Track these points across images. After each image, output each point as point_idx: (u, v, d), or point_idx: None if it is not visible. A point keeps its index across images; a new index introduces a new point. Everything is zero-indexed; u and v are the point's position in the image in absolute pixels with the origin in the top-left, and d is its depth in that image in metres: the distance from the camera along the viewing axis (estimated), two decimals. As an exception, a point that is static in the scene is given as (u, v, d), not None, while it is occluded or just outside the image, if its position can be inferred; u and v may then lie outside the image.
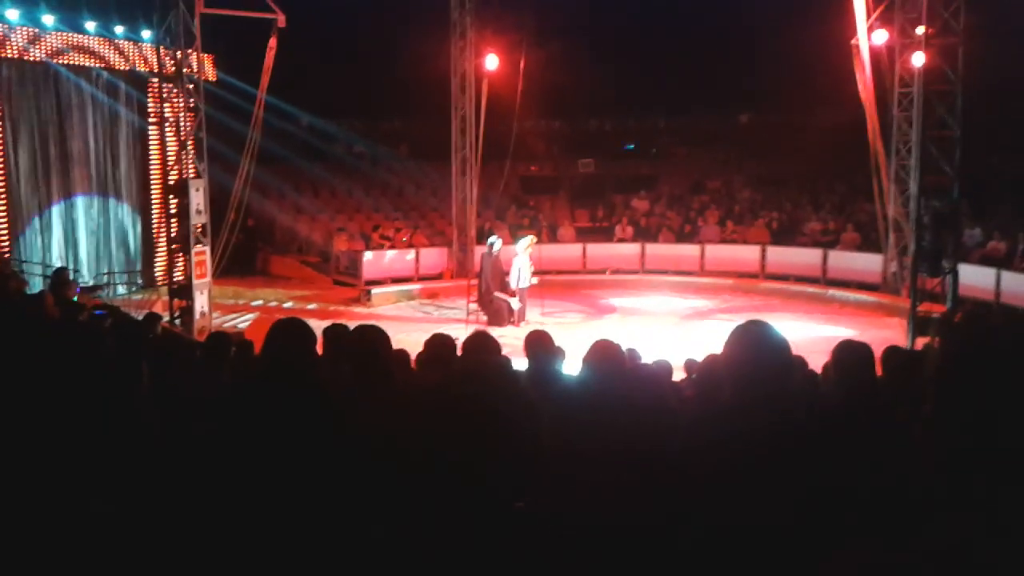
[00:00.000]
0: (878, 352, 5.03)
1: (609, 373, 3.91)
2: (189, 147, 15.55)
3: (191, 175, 15.53)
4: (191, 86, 15.48)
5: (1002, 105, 20.16)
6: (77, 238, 19.45)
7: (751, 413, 2.74)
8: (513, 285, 17.64)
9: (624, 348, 4.63)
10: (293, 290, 21.44)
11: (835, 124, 21.36)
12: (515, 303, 17.52)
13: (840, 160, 24.02)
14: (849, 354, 4.19)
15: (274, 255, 24.17)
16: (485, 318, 17.58)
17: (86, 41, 19.19)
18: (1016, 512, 1.75)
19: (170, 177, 16.07)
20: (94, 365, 4.62)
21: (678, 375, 8.34)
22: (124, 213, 20.49)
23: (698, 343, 13.04)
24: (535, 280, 17.95)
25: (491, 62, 20.74)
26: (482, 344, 5.14)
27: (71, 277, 12.98)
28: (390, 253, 21.89)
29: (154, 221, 20.63)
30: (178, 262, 16.04)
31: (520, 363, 5.35)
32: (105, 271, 19.56)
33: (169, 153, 16.24)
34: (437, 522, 1.95)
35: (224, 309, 18.18)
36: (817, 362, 6.15)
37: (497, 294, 17.60)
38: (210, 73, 20.12)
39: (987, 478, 1.81)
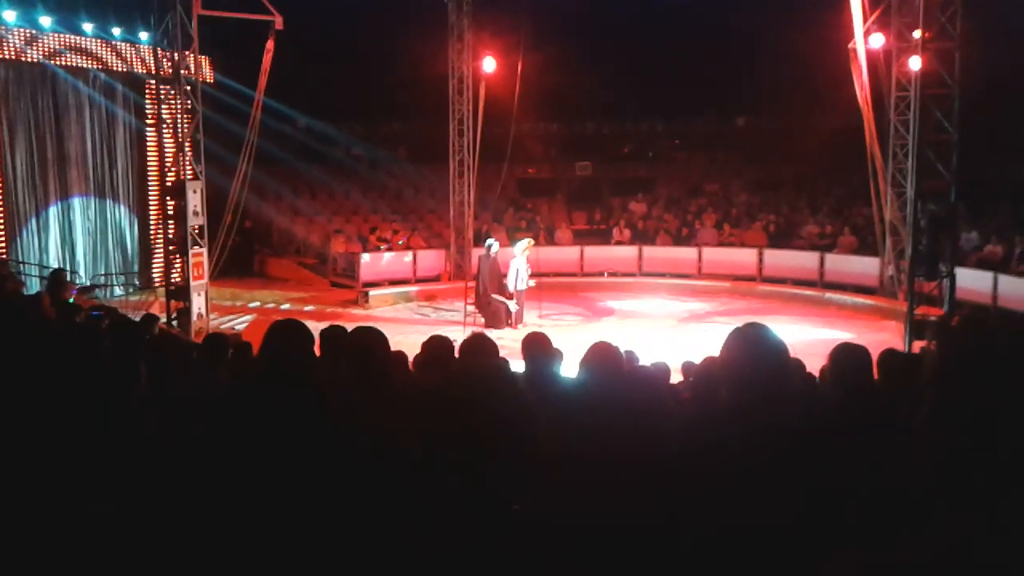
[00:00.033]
0: (875, 355, 5.04)
1: (607, 375, 3.92)
2: (187, 149, 15.54)
3: (188, 177, 15.53)
4: (188, 88, 15.48)
5: (999, 109, 20.19)
6: (74, 239, 19.42)
7: (748, 415, 2.74)
8: (511, 287, 17.65)
9: (622, 350, 4.63)
10: (290, 292, 21.43)
11: (832, 128, 21.43)
12: (513, 305, 17.53)
13: (837, 164, 24.07)
14: (846, 357, 4.19)
15: (271, 257, 24.18)
16: (483, 320, 17.59)
17: (83, 42, 19.17)
18: (1015, 512, 1.75)
19: (167, 179, 16.06)
20: (92, 366, 4.62)
21: (676, 378, 8.34)
22: (121, 215, 20.46)
23: (695, 346, 13.05)
24: (533, 282, 17.97)
25: (489, 65, 20.78)
26: (480, 346, 5.14)
27: (68, 278, 12.95)
28: (387, 255, 21.90)
29: (151, 223, 20.60)
30: (175, 263, 16.02)
31: (518, 365, 5.35)
32: (102, 272, 19.53)
33: (167, 155, 16.23)
34: (436, 523, 1.95)
35: (221, 310, 18.17)
36: (814, 365, 6.16)
37: (495, 296, 17.60)
38: (208, 75, 20.10)
39: (985, 479, 1.82)
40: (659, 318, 18.78)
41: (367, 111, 27.47)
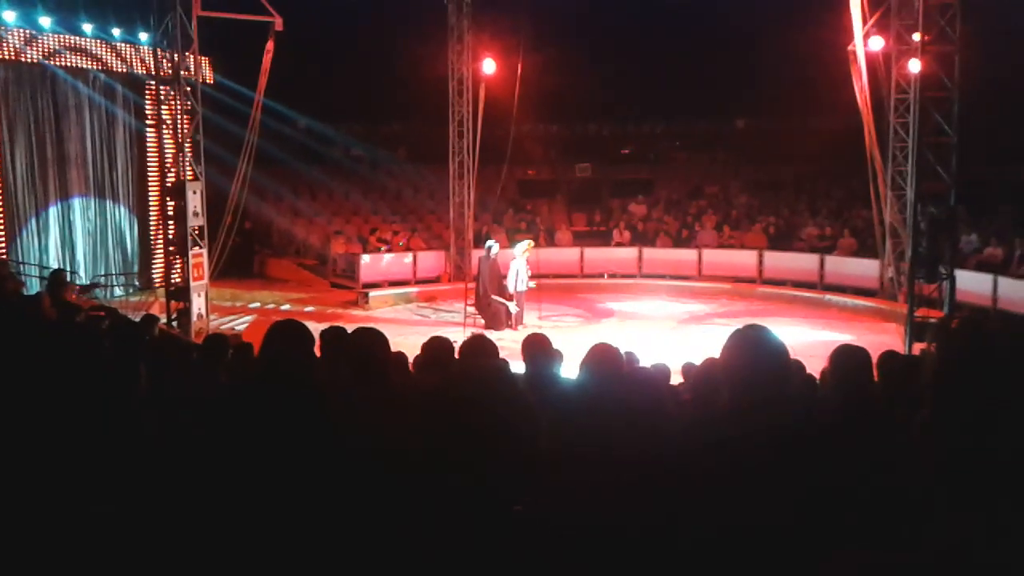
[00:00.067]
0: (875, 357, 5.04)
1: (607, 376, 3.92)
2: (186, 149, 15.54)
3: (188, 177, 15.53)
4: (188, 88, 15.48)
5: (999, 111, 20.20)
6: (74, 240, 19.42)
7: (749, 417, 2.74)
8: (511, 289, 17.65)
9: (622, 351, 4.63)
10: (290, 292, 21.43)
11: (832, 130, 21.43)
12: (513, 307, 17.53)
13: (837, 165, 24.09)
14: (847, 358, 4.20)
15: (271, 257, 24.19)
16: (483, 321, 17.59)
17: (83, 43, 19.18)
18: (1015, 513, 1.76)
19: (167, 179, 16.07)
20: (91, 366, 4.61)
21: (676, 379, 8.34)
22: (121, 215, 20.47)
23: (695, 347, 13.05)
24: (533, 284, 17.97)
25: (489, 66, 20.79)
26: (480, 347, 5.14)
27: (68, 279, 12.95)
28: (387, 256, 21.91)
29: (151, 223, 20.61)
30: (175, 264, 16.03)
31: (518, 366, 5.35)
32: (102, 273, 19.53)
33: (166, 155, 16.23)
34: (436, 524, 1.95)
35: (221, 311, 18.17)
36: (814, 367, 6.17)
37: (495, 298, 17.60)
38: (208, 76, 20.11)
39: (985, 480, 1.82)
40: (659, 319, 18.78)
41: (367, 112, 27.47)
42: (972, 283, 16.96)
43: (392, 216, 25.34)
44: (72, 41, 19.00)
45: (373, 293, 20.29)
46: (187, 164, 15.57)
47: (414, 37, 22.04)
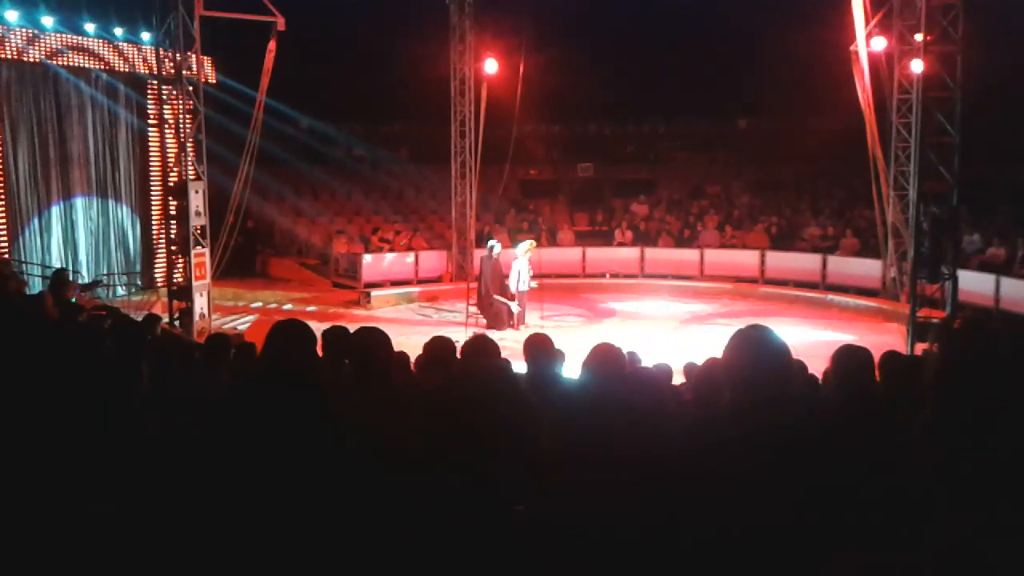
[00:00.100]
0: (877, 357, 5.03)
1: (609, 376, 3.91)
2: (189, 149, 15.55)
3: (191, 177, 15.53)
4: (191, 88, 15.49)
5: (1001, 111, 20.19)
6: (76, 239, 19.45)
7: (751, 417, 2.74)
8: (512, 289, 17.65)
9: (624, 351, 4.63)
10: (292, 292, 21.44)
11: (834, 130, 21.39)
12: (514, 307, 17.53)
13: (839, 166, 24.07)
14: (849, 359, 4.19)
15: (274, 257, 24.21)
16: (484, 321, 17.59)
17: (86, 43, 19.20)
18: (1016, 514, 1.76)
19: (170, 179, 16.08)
20: (93, 366, 4.62)
21: (678, 379, 8.33)
22: (124, 214, 20.50)
23: (697, 347, 13.04)
24: (534, 284, 17.96)
25: (490, 66, 20.80)
26: (482, 347, 5.14)
27: (70, 278, 12.97)
28: (389, 256, 21.92)
29: (154, 223, 20.64)
30: (178, 264, 16.04)
31: (520, 366, 5.35)
32: (104, 272, 19.56)
33: (169, 155, 16.24)
34: (437, 524, 1.95)
35: (224, 311, 18.18)
36: (817, 367, 6.16)
37: (496, 297, 17.60)
38: (210, 75, 20.14)
39: (987, 480, 1.82)
40: (661, 319, 18.78)
41: (369, 112, 27.47)
42: (974, 283, 16.94)
43: (394, 216, 25.35)
44: (74, 41, 19.02)
45: (375, 293, 20.29)
46: (189, 164, 15.57)
47: (416, 37, 22.05)
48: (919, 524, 1.98)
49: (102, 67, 19.58)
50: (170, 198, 15.83)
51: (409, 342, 11.00)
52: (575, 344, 6.55)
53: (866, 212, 21.25)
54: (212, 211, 16.19)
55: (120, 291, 19.58)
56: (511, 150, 21.47)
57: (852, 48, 18.16)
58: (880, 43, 18.30)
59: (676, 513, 2.51)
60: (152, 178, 20.46)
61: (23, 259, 17.72)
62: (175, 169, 15.86)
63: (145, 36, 19.42)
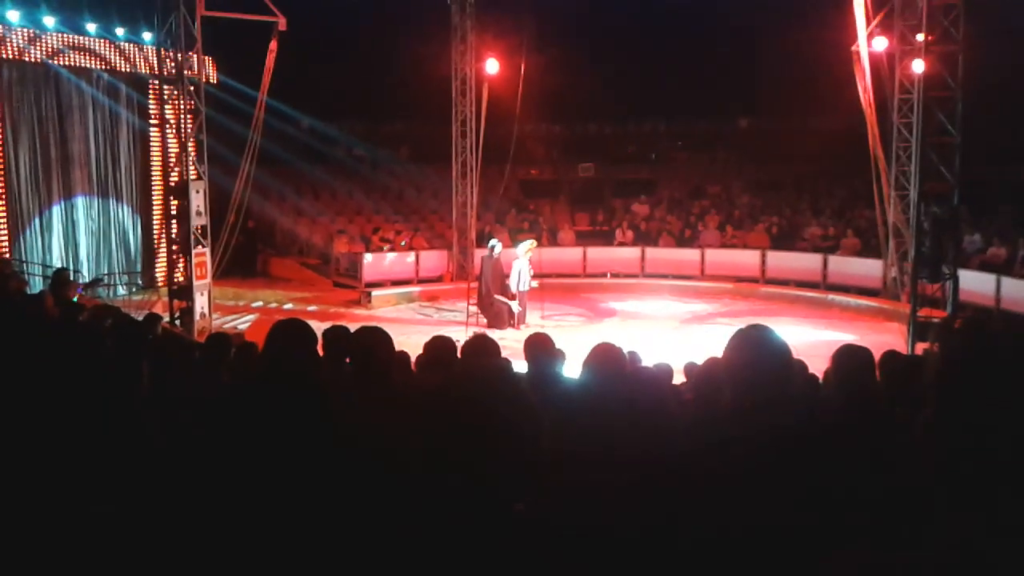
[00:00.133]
0: (878, 357, 5.03)
1: (610, 376, 3.91)
2: (190, 149, 15.56)
3: (192, 177, 15.54)
4: (192, 88, 15.50)
5: (1002, 111, 20.18)
6: (77, 239, 19.46)
7: (751, 416, 2.74)
8: (513, 288, 17.65)
9: (625, 351, 4.63)
10: (293, 292, 21.45)
11: (835, 130, 21.39)
12: (515, 306, 17.53)
13: (840, 165, 24.08)
14: (849, 358, 4.19)
15: (274, 257, 24.22)
16: (485, 321, 17.59)
17: (87, 42, 19.21)
18: (1015, 513, 1.75)
19: (171, 179, 16.09)
20: (94, 365, 4.62)
21: (678, 379, 8.33)
22: (124, 214, 20.51)
23: (698, 347, 13.04)
24: (535, 283, 17.97)
25: (491, 66, 20.81)
26: (482, 346, 5.14)
27: (71, 277, 12.98)
28: (390, 255, 21.93)
29: (155, 222, 20.65)
30: (178, 263, 16.05)
31: (520, 366, 5.35)
32: (105, 272, 19.57)
33: (170, 155, 16.25)
34: (437, 524, 1.95)
35: (224, 310, 18.19)
36: (817, 366, 6.15)
37: (497, 297, 17.61)
38: (211, 75, 20.14)
39: (987, 480, 1.82)
40: (662, 319, 18.78)
41: (370, 112, 27.49)
42: (975, 283, 16.94)
43: (395, 215, 25.36)
44: (76, 40, 19.04)
45: (376, 292, 20.30)
46: (190, 163, 15.58)
47: (417, 37, 22.06)
48: (919, 524, 1.98)
49: (103, 67, 19.60)
50: (171, 198, 15.84)
51: (410, 342, 10.99)
52: (575, 344, 6.55)
53: (867, 212, 21.25)
54: (213, 211, 16.21)
55: (121, 290, 19.59)
56: (512, 150, 21.47)
57: (853, 48, 18.16)
58: (881, 43, 18.29)
59: (676, 513, 2.51)
60: (153, 178, 20.47)
61: (24, 258, 17.74)
62: (176, 169, 15.87)
63: (146, 36, 19.43)
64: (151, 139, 20.32)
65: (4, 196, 17.79)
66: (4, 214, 17.77)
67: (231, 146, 17.88)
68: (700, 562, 2.41)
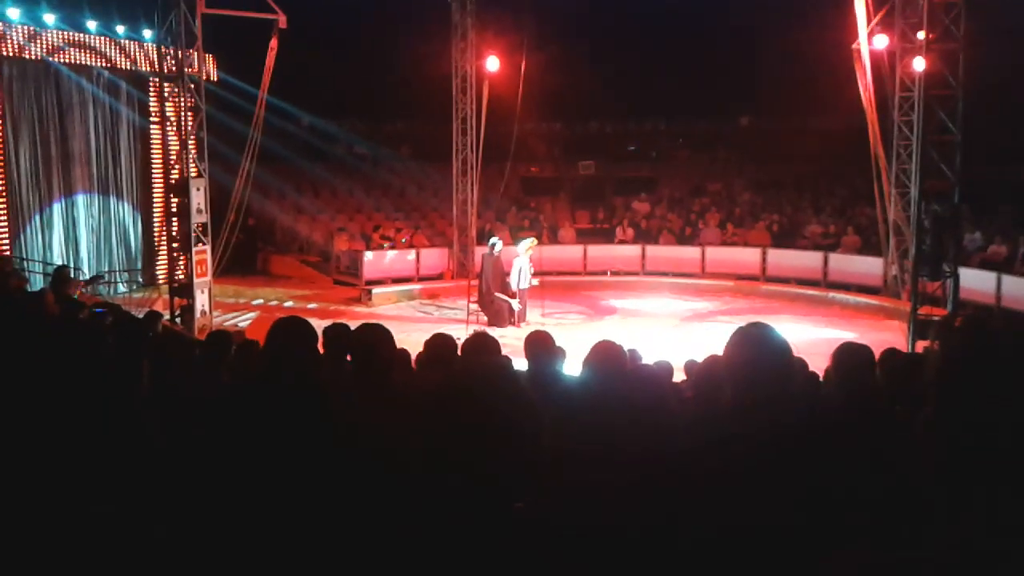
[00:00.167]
0: (878, 355, 5.03)
1: (610, 374, 3.91)
2: (190, 146, 15.56)
3: (192, 174, 15.54)
4: (192, 85, 15.49)
5: (1002, 110, 20.16)
6: (78, 236, 19.46)
7: (752, 414, 2.74)
8: (513, 286, 17.65)
9: (625, 349, 4.63)
10: (293, 289, 21.46)
11: (836, 128, 21.39)
12: (515, 304, 17.54)
13: (841, 163, 24.07)
14: (850, 356, 4.19)
15: (275, 255, 24.22)
16: (485, 319, 17.60)
17: (87, 40, 19.21)
18: (1016, 514, 1.75)
19: (171, 176, 16.09)
20: (94, 363, 4.62)
21: (678, 376, 8.33)
22: (125, 212, 20.51)
23: (698, 345, 13.04)
24: (535, 281, 17.97)
25: (492, 64, 20.79)
26: (482, 344, 5.14)
27: (72, 275, 12.98)
28: (391, 253, 21.92)
29: (155, 220, 20.65)
30: (179, 261, 16.05)
31: (520, 364, 5.35)
32: (106, 269, 19.58)
33: (170, 152, 16.25)
34: (437, 523, 1.95)
35: (225, 308, 18.21)
36: (818, 364, 6.16)
37: (498, 295, 17.61)
38: (212, 73, 20.13)
39: (988, 480, 1.82)
40: (662, 317, 18.77)
41: (370, 109, 27.49)
42: (976, 281, 16.93)
43: (395, 213, 25.36)
44: (76, 38, 19.03)
45: (376, 290, 20.30)
46: (191, 161, 15.58)
47: (417, 35, 22.05)
48: (919, 524, 1.98)
49: (104, 64, 19.59)
50: (171, 195, 15.85)
51: (410, 339, 11.01)
52: (576, 341, 6.55)
53: (867, 210, 21.24)
54: (213, 208, 16.21)
55: (121, 288, 19.60)
56: (512, 148, 21.46)
57: (854, 46, 18.15)
58: (882, 41, 18.28)
59: (676, 512, 2.51)
60: (154, 175, 20.48)
61: (24, 256, 17.74)
62: (176, 166, 15.87)
63: (147, 33, 19.43)
64: (151, 136, 20.32)
65: (5, 193, 17.79)
66: (4, 211, 17.77)
67: (231, 144, 17.88)
68: (700, 562, 2.41)
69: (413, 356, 6.45)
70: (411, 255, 21.88)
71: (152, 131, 20.17)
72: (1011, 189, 21.39)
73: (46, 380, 4.20)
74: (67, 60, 18.90)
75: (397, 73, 23.54)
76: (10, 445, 3.60)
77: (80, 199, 19.48)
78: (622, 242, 23.74)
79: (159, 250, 20.25)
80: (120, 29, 19.64)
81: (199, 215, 15.59)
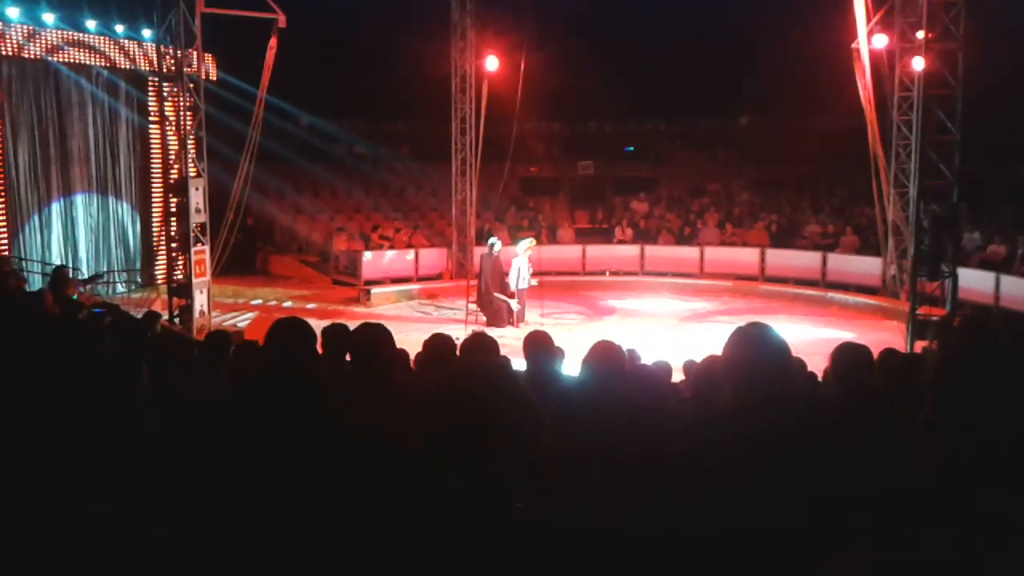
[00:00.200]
0: (877, 355, 5.03)
1: (609, 374, 3.92)
2: (189, 146, 15.55)
3: (191, 174, 15.53)
4: (191, 85, 15.48)
5: (1001, 110, 20.17)
6: (76, 236, 19.45)
7: (750, 415, 2.74)
8: (512, 286, 17.65)
9: (624, 349, 4.63)
10: (292, 289, 21.46)
11: (835, 128, 21.40)
12: (514, 304, 17.53)
13: (840, 163, 24.08)
14: (848, 356, 4.19)
15: (274, 254, 24.21)
16: (484, 319, 17.59)
17: (86, 39, 19.20)
18: (1016, 514, 1.75)
19: (170, 176, 16.08)
20: (93, 363, 4.62)
21: (677, 376, 8.33)
22: (124, 211, 20.51)
23: (697, 345, 13.04)
24: (534, 281, 17.97)
25: (491, 63, 20.78)
26: (481, 344, 5.14)
27: (70, 275, 12.97)
28: (389, 253, 21.92)
29: (154, 220, 20.64)
30: (178, 261, 16.04)
31: (519, 364, 5.35)
32: (104, 269, 19.56)
33: (169, 152, 16.24)
34: (437, 523, 1.95)
35: (224, 308, 18.20)
36: (816, 364, 6.16)
37: (496, 295, 17.60)
38: (211, 72, 20.13)
39: (987, 480, 1.82)
40: (661, 317, 18.78)
41: (370, 109, 27.47)
42: (974, 281, 16.94)
43: (394, 213, 25.35)
44: (75, 37, 19.02)
45: (375, 290, 20.30)
46: (190, 161, 15.57)
47: (417, 35, 22.04)
48: (919, 524, 1.98)
49: (103, 64, 19.59)
50: (170, 195, 15.83)
51: (409, 340, 11.00)
52: (575, 342, 6.56)
53: (866, 210, 21.24)
54: (212, 208, 16.19)
55: (120, 288, 19.58)
56: (512, 148, 21.47)
57: (853, 46, 18.16)
58: (881, 40, 18.29)
59: (676, 511, 2.51)
60: (153, 175, 20.47)
61: (23, 256, 17.73)
62: (175, 166, 15.85)
63: (146, 33, 19.42)
64: (150, 136, 20.32)
65: (3, 193, 17.78)
66: (3, 211, 17.77)
67: (230, 143, 17.86)
68: (700, 562, 2.41)
69: (412, 356, 6.45)
70: (410, 255, 21.88)
71: (151, 131, 20.16)
72: (1010, 189, 21.40)
73: (45, 380, 4.20)
74: (66, 59, 18.89)
75: (397, 73, 23.53)
76: (10, 445, 3.60)
77: (79, 199, 19.48)
78: (621, 242, 23.74)
79: (158, 250, 20.24)
80: (119, 28, 19.64)
81: (198, 215, 15.58)
